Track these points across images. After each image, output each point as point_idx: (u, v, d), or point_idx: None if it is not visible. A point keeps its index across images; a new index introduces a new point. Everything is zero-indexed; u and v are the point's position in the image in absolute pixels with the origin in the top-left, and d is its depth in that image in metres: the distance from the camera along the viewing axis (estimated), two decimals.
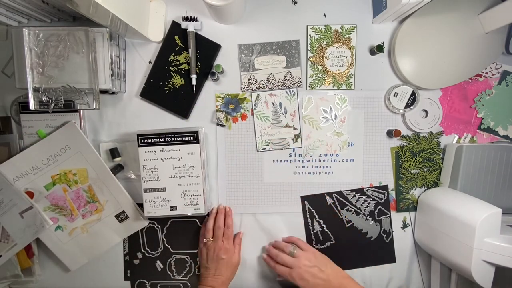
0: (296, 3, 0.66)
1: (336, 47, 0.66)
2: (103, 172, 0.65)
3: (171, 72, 0.66)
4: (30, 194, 0.64)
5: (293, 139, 0.68)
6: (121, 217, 0.68)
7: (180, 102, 0.67)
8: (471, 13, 0.61)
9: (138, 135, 0.63)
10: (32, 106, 0.59)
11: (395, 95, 0.66)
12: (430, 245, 0.64)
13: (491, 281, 0.54)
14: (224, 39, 0.66)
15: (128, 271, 0.71)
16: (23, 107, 0.64)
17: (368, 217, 0.69)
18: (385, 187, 0.69)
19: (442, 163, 0.68)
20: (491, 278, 0.54)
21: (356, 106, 0.68)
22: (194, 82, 0.65)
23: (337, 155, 0.69)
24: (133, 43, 0.67)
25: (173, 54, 0.66)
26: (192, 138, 0.63)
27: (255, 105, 0.67)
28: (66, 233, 0.67)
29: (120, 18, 0.52)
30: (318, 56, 0.66)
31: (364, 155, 0.69)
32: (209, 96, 0.68)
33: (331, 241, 0.70)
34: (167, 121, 0.68)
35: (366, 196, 0.69)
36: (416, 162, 0.68)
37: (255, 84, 0.67)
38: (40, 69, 0.58)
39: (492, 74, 0.67)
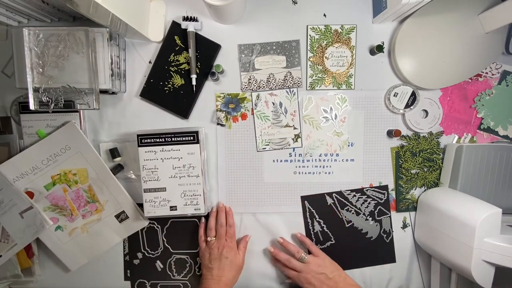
0: (296, 3, 0.66)
1: (336, 47, 0.66)
2: (103, 172, 0.65)
3: (171, 72, 0.66)
4: (30, 194, 0.64)
5: (293, 139, 0.68)
6: (121, 217, 0.68)
7: (180, 102, 0.67)
8: (471, 13, 0.61)
9: (138, 135, 0.63)
10: (32, 106, 0.59)
11: (395, 95, 0.66)
12: (430, 245, 0.64)
13: (491, 281, 0.54)
14: (224, 39, 0.66)
15: (128, 271, 0.71)
16: (23, 107, 0.64)
17: (368, 217, 0.69)
18: (385, 187, 0.69)
19: (442, 163, 0.68)
20: (491, 278, 0.54)
21: (356, 106, 0.68)
22: (194, 82, 0.65)
23: (337, 155, 0.69)
24: (133, 43, 0.67)
25: (173, 54, 0.66)
26: (192, 138, 0.63)
27: (255, 105, 0.67)
28: (66, 233, 0.67)
29: (120, 18, 0.52)
30: (318, 56, 0.66)
31: (364, 155, 0.69)
32: (209, 96, 0.68)
33: (331, 241, 0.70)
34: (167, 121, 0.68)
35: (366, 196, 0.69)
36: (416, 162, 0.68)
37: (255, 84, 0.67)
38: (40, 69, 0.58)
39: (492, 74, 0.67)
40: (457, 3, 0.61)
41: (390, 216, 0.69)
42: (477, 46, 0.62)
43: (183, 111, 0.67)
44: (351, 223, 0.69)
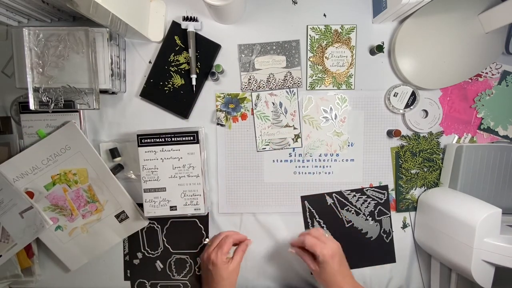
0: (296, 3, 0.66)
1: (336, 47, 0.66)
2: (103, 172, 0.65)
3: (171, 72, 0.66)
4: (30, 194, 0.64)
5: (293, 139, 0.68)
6: (121, 217, 0.68)
7: (180, 102, 0.67)
8: (471, 13, 0.61)
9: (138, 135, 0.63)
10: (32, 106, 0.59)
11: (395, 95, 0.66)
12: (430, 245, 0.64)
13: (491, 281, 0.54)
14: (224, 39, 0.66)
15: (128, 271, 0.71)
16: (23, 107, 0.64)
17: (368, 217, 0.69)
18: (385, 187, 0.69)
19: (442, 163, 0.68)
20: (491, 278, 0.54)
21: (356, 106, 0.68)
22: (194, 82, 0.65)
23: (337, 155, 0.69)
24: (133, 43, 0.67)
25: (173, 54, 0.66)
26: (192, 138, 0.63)
27: (255, 105, 0.67)
28: (66, 233, 0.67)
29: (120, 18, 0.52)
30: (318, 56, 0.66)
31: (364, 155, 0.69)
32: (209, 96, 0.68)
33: None
34: (167, 121, 0.68)
35: (366, 196, 0.69)
36: (416, 162, 0.68)
37: (255, 84, 0.67)
38: (40, 69, 0.58)
39: (492, 74, 0.67)
40: (457, 3, 0.61)
41: (390, 216, 0.69)
42: (477, 46, 0.62)
43: (183, 111, 0.67)
44: (351, 223, 0.69)
